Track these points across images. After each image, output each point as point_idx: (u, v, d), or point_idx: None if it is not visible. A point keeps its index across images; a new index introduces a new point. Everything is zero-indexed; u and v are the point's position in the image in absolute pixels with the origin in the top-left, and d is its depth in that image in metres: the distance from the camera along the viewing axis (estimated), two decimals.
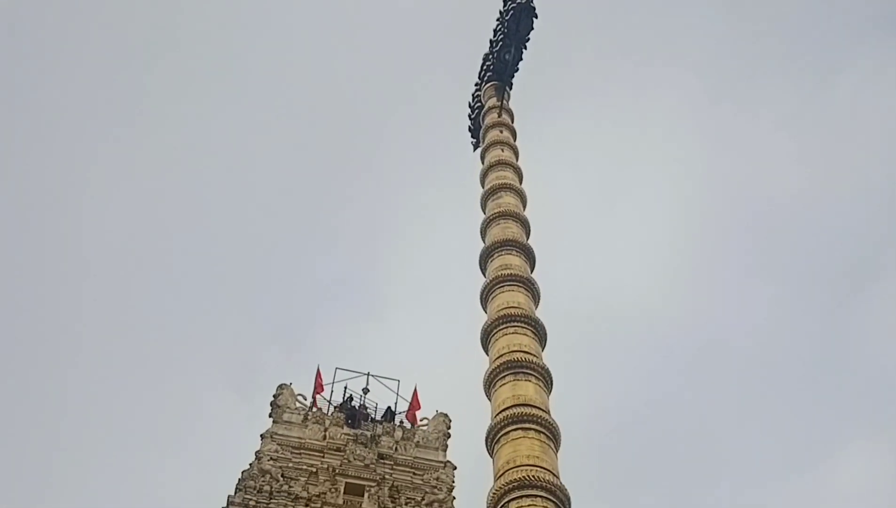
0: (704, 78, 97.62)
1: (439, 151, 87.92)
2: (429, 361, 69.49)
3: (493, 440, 21.64)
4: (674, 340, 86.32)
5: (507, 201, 28.46)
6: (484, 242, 27.89)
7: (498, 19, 37.71)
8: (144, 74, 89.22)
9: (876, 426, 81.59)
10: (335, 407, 35.94)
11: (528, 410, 21.57)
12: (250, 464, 33.13)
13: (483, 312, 25.30)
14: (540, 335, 24.29)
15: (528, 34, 36.45)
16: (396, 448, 34.48)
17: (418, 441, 34.91)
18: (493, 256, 26.64)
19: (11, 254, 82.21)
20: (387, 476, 33.62)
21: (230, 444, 66.85)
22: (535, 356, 23.37)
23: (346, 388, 36.61)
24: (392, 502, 33.01)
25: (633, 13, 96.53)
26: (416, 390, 36.49)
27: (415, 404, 36.18)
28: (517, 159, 31.31)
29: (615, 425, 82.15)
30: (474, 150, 35.71)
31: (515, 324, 23.98)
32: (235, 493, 32.28)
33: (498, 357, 23.25)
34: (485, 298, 25.79)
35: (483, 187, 30.18)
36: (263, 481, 32.56)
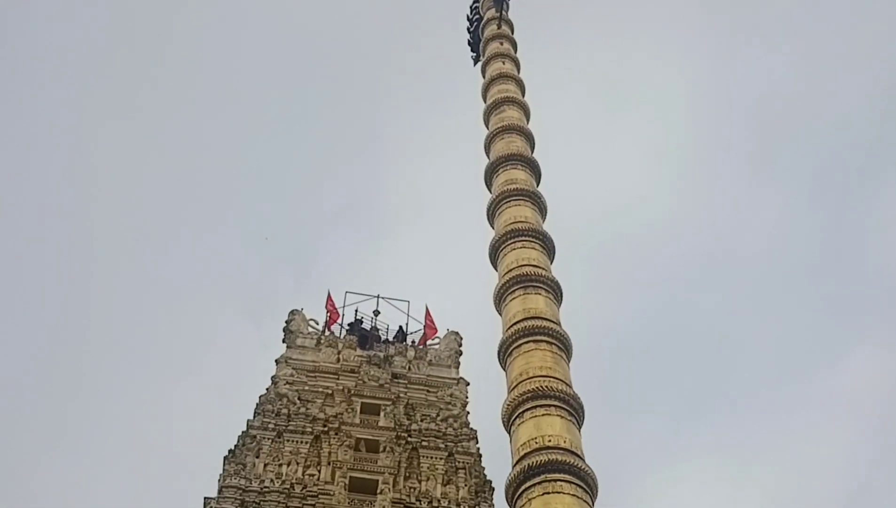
0: None
1: (439, 67, 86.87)
2: (438, 280, 69.91)
3: (505, 353, 21.85)
4: (681, 248, 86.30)
5: (511, 114, 28.13)
6: (488, 157, 27.67)
7: None
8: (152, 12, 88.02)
9: (884, 329, 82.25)
10: (345, 329, 36.25)
11: (538, 322, 21.71)
12: (267, 389, 33.61)
13: (490, 228, 25.27)
14: (548, 248, 24.27)
15: None
16: (409, 368, 34.90)
17: (431, 360, 35.31)
18: (498, 171, 26.47)
19: (21, 182, 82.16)
20: (401, 395, 34.09)
21: (245, 370, 67.78)
22: (543, 269, 23.39)
23: (356, 311, 36.95)
24: (408, 419, 33.54)
25: None
26: (427, 310, 36.78)
27: (429, 324, 36.48)
28: (518, 72, 30.84)
29: (626, 334, 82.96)
30: (475, 64, 35.24)
31: (523, 238, 23.95)
32: (254, 417, 32.84)
33: (507, 272, 23.31)
34: (491, 213, 25.73)
35: (485, 102, 29.82)
36: (281, 404, 33.08)
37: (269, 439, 32.26)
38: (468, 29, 36.44)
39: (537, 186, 26.34)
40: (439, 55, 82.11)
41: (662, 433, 79.92)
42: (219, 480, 31.63)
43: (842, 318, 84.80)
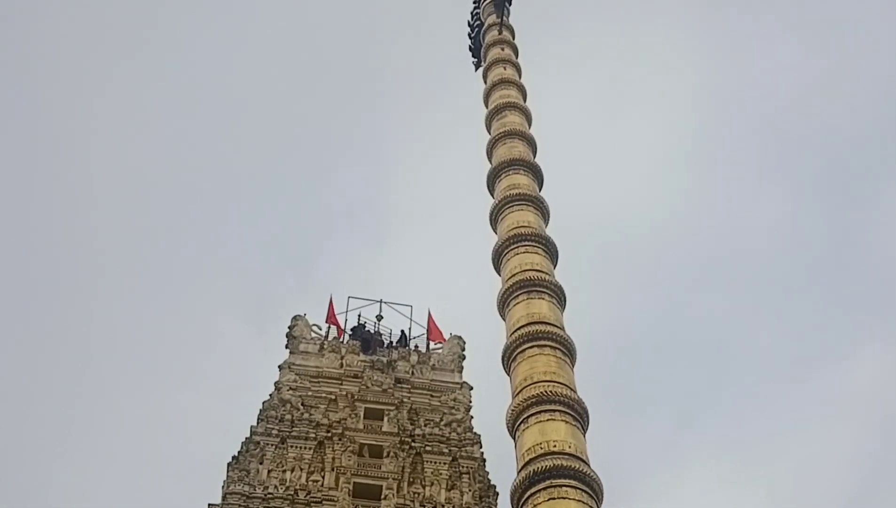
0: None
1: (441, 71, 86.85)
2: (441, 284, 69.96)
3: (509, 358, 21.84)
4: (684, 249, 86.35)
5: (512, 119, 28.15)
6: (490, 162, 27.69)
7: None
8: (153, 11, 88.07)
9: (887, 328, 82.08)
10: (348, 334, 36.26)
11: (542, 327, 21.71)
12: (270, 395, 33.62)
13: (493, 232, 25.24)
14: (551, 252, 24.29)
15: None
16: (412, 372, 34.91)
17: (434, 364, 35.32)
18: (500, 176, 26.48)
19: (22, 186, 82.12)
20: (405, 400, 34.10)
21: (249, 376, 67.92)
22: (547, 273, 23.40)
23: (359, 316, 36.93)
24: (411, 424, 33.54)
25: None
26: (430, 315, 36.78)
27: (432, 328, 36.48)
28: (520, 77, 30.85)
29: (629, 336, 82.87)
30: (476, 69, 35.25)
31: (526, 243, 23.97)
32: (258, 423, 32.83)
33: (510, 277, 23.30)
34: (494, 218, 25.73)
35: (487, 107, 29.83)
36: (284, 410, 33.08)
37: (272, 445, 32.27)
38: (469, 34, 36.46)
39: (540, 190, 26.36)
40: (440, 59, 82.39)
41: (665, 434, 79.97)
42: (222, 486, 31.61)
43: (845, 317, 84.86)
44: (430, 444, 32.81)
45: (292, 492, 30.99)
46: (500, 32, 33.10)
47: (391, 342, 36.67)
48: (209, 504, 31.03)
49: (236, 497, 30.66)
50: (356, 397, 33.68)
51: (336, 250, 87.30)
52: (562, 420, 19.77)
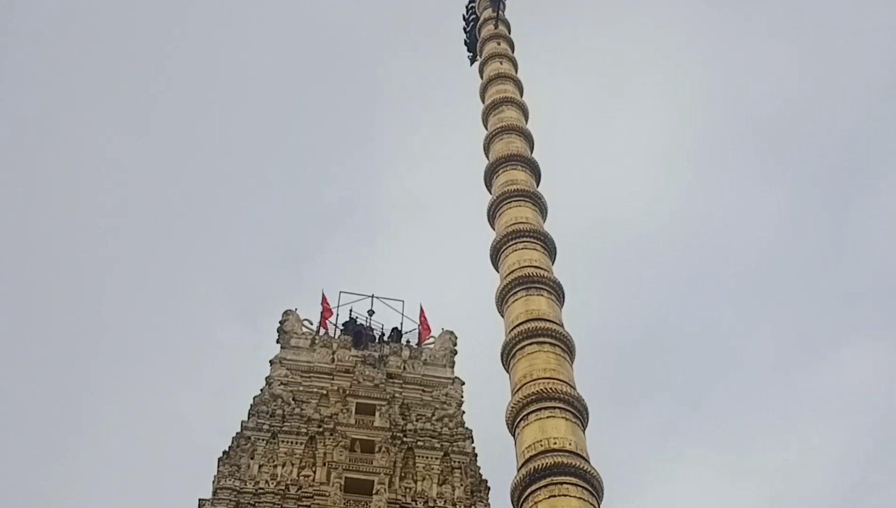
0: None
1: (434, 66, 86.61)
2: (433, 280, 69.86)
3: (508, 355, 21.79)
4: (680, 245, 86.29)
5: (510, 115, 28.04)
6: (487, 157, 27.58)
7: None
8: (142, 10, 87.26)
9: (878, 325, 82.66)
10: (340, 329, 36.11)
11: (541, 324, 21.69)
12: (261, 390, 33.42)
13: (487, 228, 25.19)
14: (549, 248, 24.24)
15: None
16: (404, 367, 34.78)
17: (426, 359, 35.21)
18: (497, 171, 26.37)
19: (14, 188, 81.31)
20: (396, 395, 33.98)
21: (240, 371, 67.65)
22: (545, 270, 23.36)
23: (351, 311, 36.79)
24: (403, 419, 33.43)
25: None
26: (422, 309, 36.68)
27: (424, 324, 36.39)
28: (516, 72, 30.73)
29: (625, 331, 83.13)
30: (471, 64, 35.08)
31: (525, 239, 23.90)
32: (249, 418, 32.63)
33: (509, 273, 23.24)
34: (492, 214, 25.63)
35: (483, 102, 29.69)
36: (275, 405, 32.90)
37: (263, 440, 32.07)
38: (464, 29, 36.22)
39: (537, 186, 26.29)
40: (434, 54, 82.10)
41: (660, 429, 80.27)
42: (213, 481, 31.41)
43: (838, 313, 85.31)
44: (421, 439, 32.72)
45: (283, 487, 30.82)
46: (496, 27, 32.85)
47: (382, 336, 36.56)
48: (200, 500, 30.84)
49: (227, 493, 30.46)
50: (348, 392, 33.51)
51: (329, 247, 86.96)
52: (562, 418, 19.77)
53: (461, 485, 31.87)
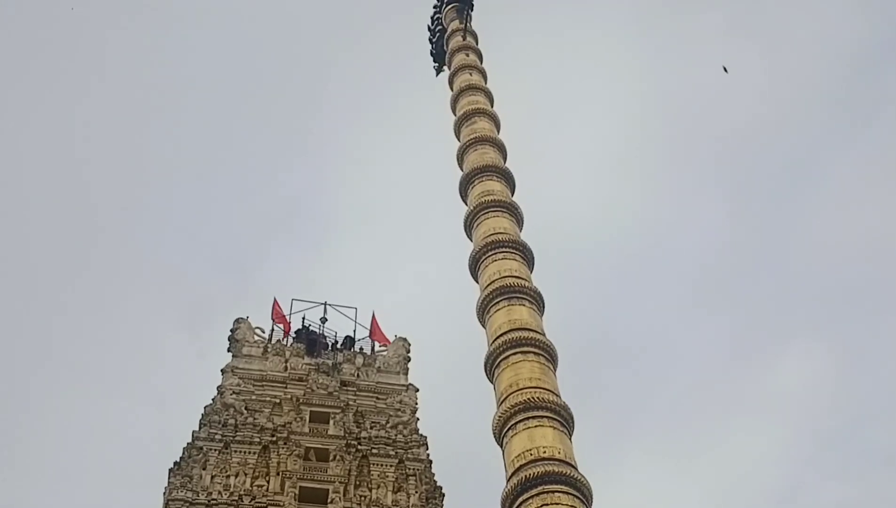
0: None
1: (384, 73, 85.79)
2: (384, 287, 69.35)
3: (492, 365, 21.94)
4: (620, 250, 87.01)
5: (482, 125, 28.22)
6: (461, 168, 27.71)
7: None
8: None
9: (817, 327, 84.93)
10: (293, 337, 35.71)
11: (524, 334, 21.91)
12: (213, 399, 32.85)
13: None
14: (528, 258, 24.53)
15: None
16: (358, 375, 34.70)
17: (379, 367, 35.18)
18: (473, 182, 26.52)
19: None
20: (350, 403, 33.86)
21: (187, 382, 65.97)
22: (525, 279, 23.63)
23: (303, 318, 36.41)
24: (357, 427, 33.33)
25: None
26: (374, 317, 36.56)
27: (376, 330, 36.26)
28: (486, 82, 30.98)
29: (563, 336, 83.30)
30: (437, 74, 35.12)
31: (504, 249, 24.11)
32: (200, 428, 32.02)
33: (489, 284, 23.39)
34: (469, 225, 25.76)
35: (455, 113, 29.79)
36: (227, 415, 32.37)
37: (215, 450, 31.52)
38: (430, 39, 36.07)
39: (512, 196, 26.57)
40: (383, 59, 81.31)
41: (601, 435, 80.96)
42: (164, 493, 30.71)
43: (780, 317, 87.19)
44: (376, 447, 32.68)
45: (237, 498, 30.35)
46: (464, 38, 32.84)
47: (335, 343, 36.31)
48: None
49: (179, 504, 29.81)
50: (301, 400, 33.22)
51: (277, 254, 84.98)
52: (549, 426, 20.06)
53: (416, 492, 31.98)
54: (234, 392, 32.90)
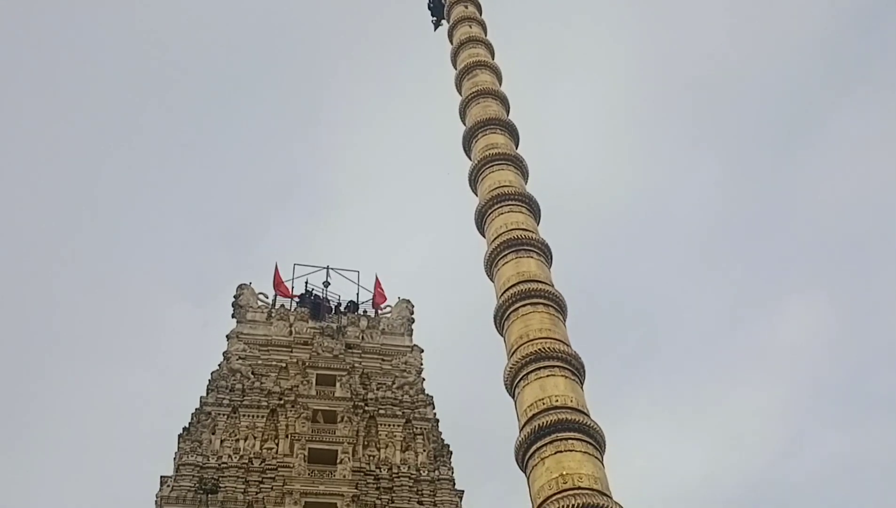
0: None
1: (386, 38, 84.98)
2: (386, 249, 69.34)
3: (501, 317, 21.86)
4: (621, 209, 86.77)
5: (484, 78, 27.84)
6: (464, 123, 27.45)
7: None
8: None
9: (816, 280, 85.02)
10: (296, 302, 35.69)
11: (533, 285, 21.80)
12: (219, 365, 32.91)
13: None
14: (534, 211, 24.40)
15: None
16: (363, 337, 34.78)
17: (384, 328, 35.24)
18: (476, 136, 26.24)
19: None
20: (356, 365, 33.99)
21: (194, 349, 66.20)
22: (532, 232, 23.50)
23: (306, 283, 36.36)
24: (363, 388, 33.49)
25: None
26: (377, 279, 36.53)
27: (380, 293, 36.25)
28: (486, 34, 30.64)
29: (575, 297, 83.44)
30: (435, 28, 34.75)
31: (510, 202, 23.95)
32: (208, 394, 32.14)
33: (496, 237, 23.23)
34: (474, 179, 25.55)
35: (455, 67, 29.45)
36: (234, 380, 32.47)
37: (224, 415, 31.67)
38: None
39: (516, 148, 26.38)
40: (385, 26, 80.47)
41: (601, 394, 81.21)
42: (174, 458, 30.84)
43: (779, 272, 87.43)
44: (383, 407, 32.86)
45: (246, 461, 30.51)
46: None
47: (339, 306, 36.30)
48: (161, 477, 30.23)
49: (189, 468, 29.96)
50: (307, 363, 33.30)
51: (279, 221, 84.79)
52: (561, 376, 20.03)
53: (424, 451, 32.20)
54: (240, 358, 32.96)
